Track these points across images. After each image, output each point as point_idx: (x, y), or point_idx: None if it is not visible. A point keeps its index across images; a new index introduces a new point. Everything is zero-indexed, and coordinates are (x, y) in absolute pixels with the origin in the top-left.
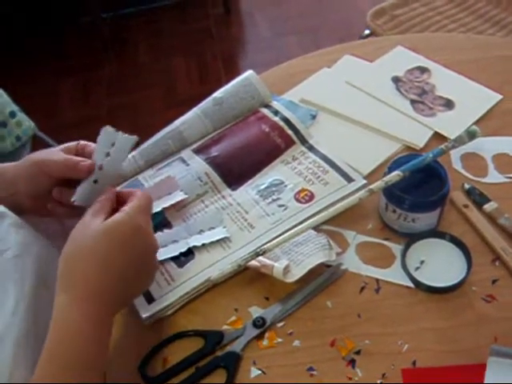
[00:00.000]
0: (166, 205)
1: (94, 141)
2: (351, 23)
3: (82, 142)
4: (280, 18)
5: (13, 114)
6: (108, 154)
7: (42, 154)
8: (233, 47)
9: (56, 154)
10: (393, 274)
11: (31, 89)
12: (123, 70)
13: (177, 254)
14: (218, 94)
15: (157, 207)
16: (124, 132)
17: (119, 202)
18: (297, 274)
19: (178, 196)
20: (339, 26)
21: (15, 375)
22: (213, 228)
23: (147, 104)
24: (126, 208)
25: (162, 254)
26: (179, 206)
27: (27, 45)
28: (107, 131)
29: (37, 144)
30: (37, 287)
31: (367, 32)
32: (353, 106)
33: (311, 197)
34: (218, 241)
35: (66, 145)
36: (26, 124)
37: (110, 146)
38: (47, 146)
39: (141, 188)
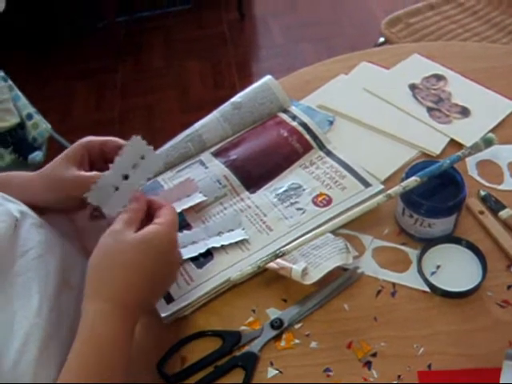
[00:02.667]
0: (186, 206)
1: None
2: (365, 31)
3: (112, 139)
4: (294, 25)
5: (30, 116)
6: (135, 166)
7: (54, 170)
8: (246, 53)
9: (66, 168)
10: (409, 279)
11: (46, 91)
12: (137, 74)
13: (196, 254)
14: (236, 98)
15: (176, 209)
16: (137, 135)
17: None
18: (315, 276)
19: (197, 198)
20: (353, 34)
21: (39, 376)
22: (232, 230)
23: (161, 108)
24: (162, 220)
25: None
26: (198, 208)
27: (43, 48)
28: (137, 141)
29: (52, 146)
30: (60, 287)
31: (382, 40)
32: (370, 113)
33: (329, 201)
34: (236, 243)
35: (89, 139)
36: (42, 126)
37: (139, 157)
38: (62, 147)
39: (160, 190)
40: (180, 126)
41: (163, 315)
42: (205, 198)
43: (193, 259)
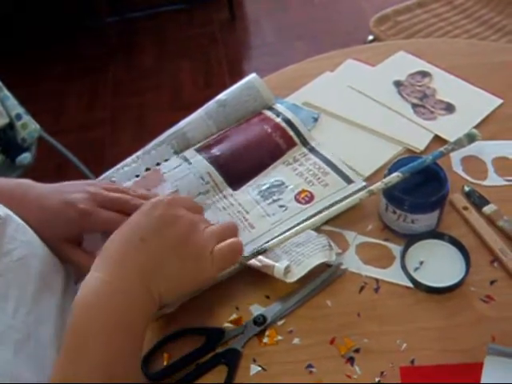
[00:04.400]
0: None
1: (99, 145)
2: (356, 29)
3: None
4: (285, 24)
5: (19, 117)
6: None
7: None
8: (237, 52)
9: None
10: (392, 274)
11: (37, 91)
12: (129, 74)
13: None
14: (221, 96)
15: None
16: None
17: None
18: (297, 273)
19: (166, 189)
20: (344, 32)
21: (17, 376)
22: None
23: (153, 107)
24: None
25: None
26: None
27: (34, 48)
28: None
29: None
30: (40, 291)
31: (371, 38)
32: (355, 110)
33: (311, 198)
34: None
35: (93, 192)
36: (31, 127)
37: None
38: (52, 148)
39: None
40: (172, 125)
41: None
42: (175, 190)
43: None
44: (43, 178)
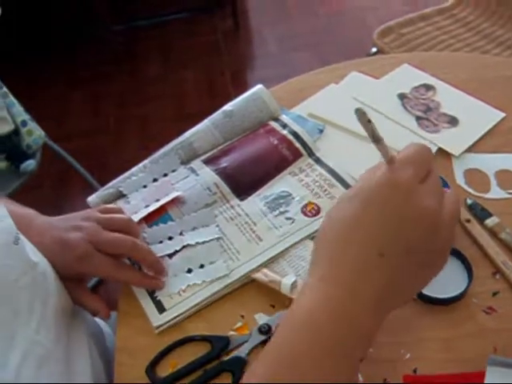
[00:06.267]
0: (163, 202)
1: (102, 153)
2: (359, 41)
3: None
4: (288, 35)
5: (24, 123)
6: None
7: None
8: (241, 62)
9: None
10: None
11: (41, 98)
12: (133, 83)
13: (172, 251)
14: (228, 106)
15: (154, 206)
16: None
17: None
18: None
19: (173, 194)
20: (347, 44)
21: None
22: (206, 226)
23: (156, 116)
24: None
25: (158, 251)
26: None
27: (39, 55)
28: None
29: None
30: (59, 306)
31: (374, 50)
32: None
33: (318, 211)
34: (225, 251)
35: (89, 232)
36: (36, 133)
37: None
38: (55, 155)
39: (140, 190)
40: (175, 135)
41: (155, 325)
42: (179, 193)
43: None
44: (46, 185)
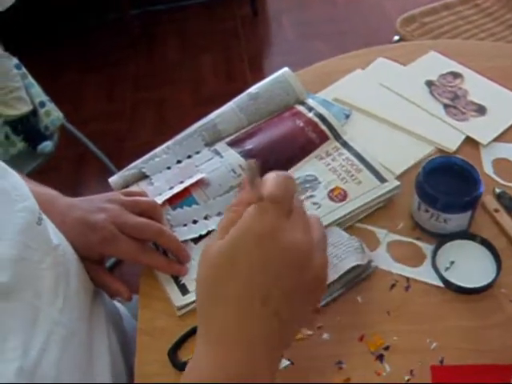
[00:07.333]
0: (187, 184)
1: (117, 137)
2: (378, 29)
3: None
4: (306, 22)
5: (42, 104)
6: None
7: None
8: (258, 48)
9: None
10: (423, 273)
11: (57, 83)
12: (150, 67)
13: (197, 235)
14: (253, 89)
15: (179, 187)
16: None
17: None
18: (330, 277)
19: (198, 176)
20: (365, 32)
21: (64, 376)
22: None
23: (173, 100)
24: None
25: (182, 234)
26: (212, 196)
27: (55, 40)
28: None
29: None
30: (79, 287)
31: (397, 38)
32: (386, 108)
33: (344, 196)
34: None
35: (114, 214)
36: (54, 114)
37: None
38: (71, 137)
39: (163, 172)
40: (192, 119)
41: (178, 306)
42: (203, 175)
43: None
44: (63, 168)
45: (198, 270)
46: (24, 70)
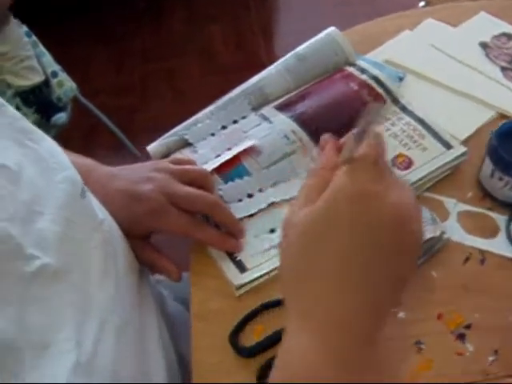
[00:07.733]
0: (236, 151)
1: (128, 110)
2: None
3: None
4: None
5: (55, 74)
6: None
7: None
8: (269, 16)
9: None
10: (498, 246)
11: (65, 57)
12: (158, 38)
13: (256, 211)
14: (300, 49)
15: (228, 155)
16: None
17: None
18: None
19: (248, 142)
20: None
21: (118, 372)
22: (288, 180)
23: (182, 71)
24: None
25: (240, 211)
26: (264, 166)
27: (61, 13)
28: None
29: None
30: (127, 267)
31: (422, 3)
32: (440, 70)
33: (409, 163)
34: None
35: (162, 184)
36: (67, 85)
37: None
38: (82, 110)
39: (208, 139)
40: (204, 89)
41: (236, 284)
42: (253, 142)
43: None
44: (75, 138)
45: (282, 241)
46: (34, 37)
